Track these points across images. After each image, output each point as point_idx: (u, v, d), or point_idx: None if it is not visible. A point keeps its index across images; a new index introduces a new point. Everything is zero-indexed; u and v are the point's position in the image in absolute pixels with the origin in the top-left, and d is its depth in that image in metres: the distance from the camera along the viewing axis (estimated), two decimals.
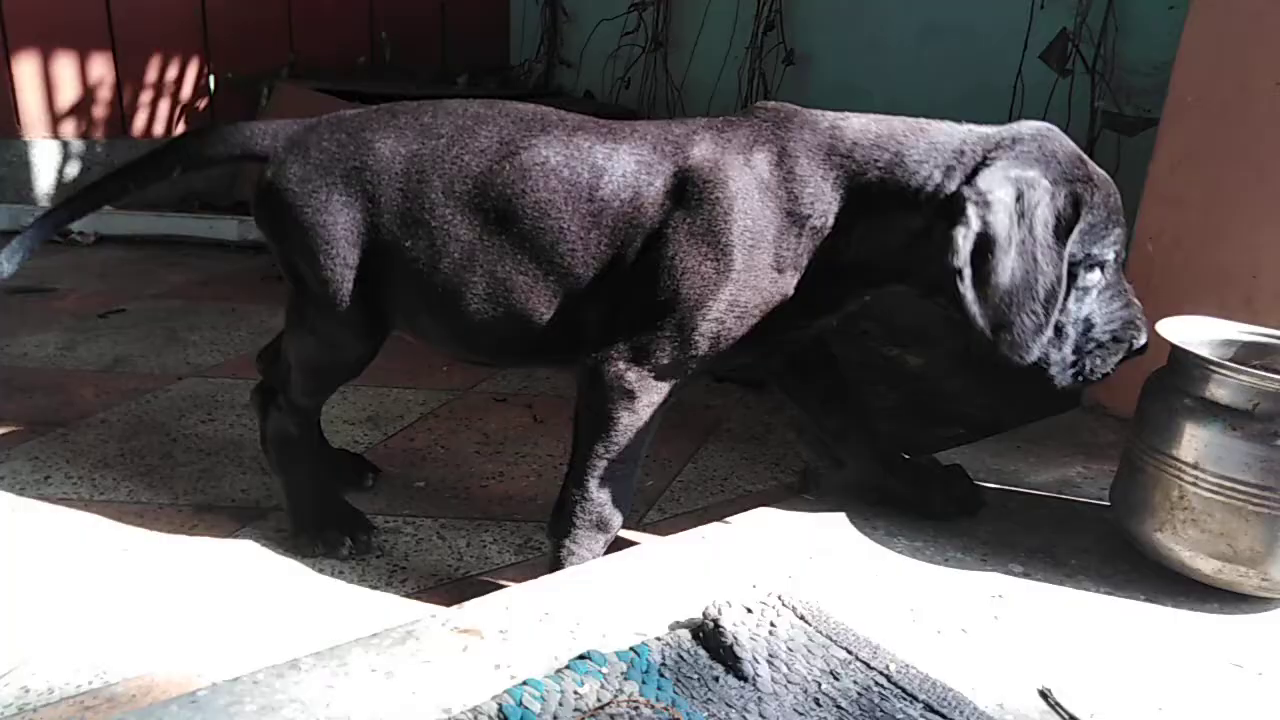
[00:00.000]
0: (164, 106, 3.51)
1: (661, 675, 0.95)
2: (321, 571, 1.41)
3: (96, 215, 3.07)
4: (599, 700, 0.91)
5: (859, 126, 1.21)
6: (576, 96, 3.55)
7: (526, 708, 0.89)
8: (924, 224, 1.15)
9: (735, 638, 0.98)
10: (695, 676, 0.95)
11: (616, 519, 1.27)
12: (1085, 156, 1.18)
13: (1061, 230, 1.12)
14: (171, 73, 3.49)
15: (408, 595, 1.37)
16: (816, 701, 0.93)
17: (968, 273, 1.10)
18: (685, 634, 1.01)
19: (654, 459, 1.80)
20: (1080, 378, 1.20)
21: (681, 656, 0.98)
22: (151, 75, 3.45)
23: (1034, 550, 1.26)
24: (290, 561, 1.43)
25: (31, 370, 2.06)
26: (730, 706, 0.91)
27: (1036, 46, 2.15)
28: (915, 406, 1.98)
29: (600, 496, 1.24)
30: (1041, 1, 2.14)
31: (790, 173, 1.18)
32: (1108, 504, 1.31)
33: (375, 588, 1.38)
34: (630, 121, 1.33)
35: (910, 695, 0.94)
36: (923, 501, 1.34)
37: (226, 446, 1.76)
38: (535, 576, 1.18)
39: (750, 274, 1.18)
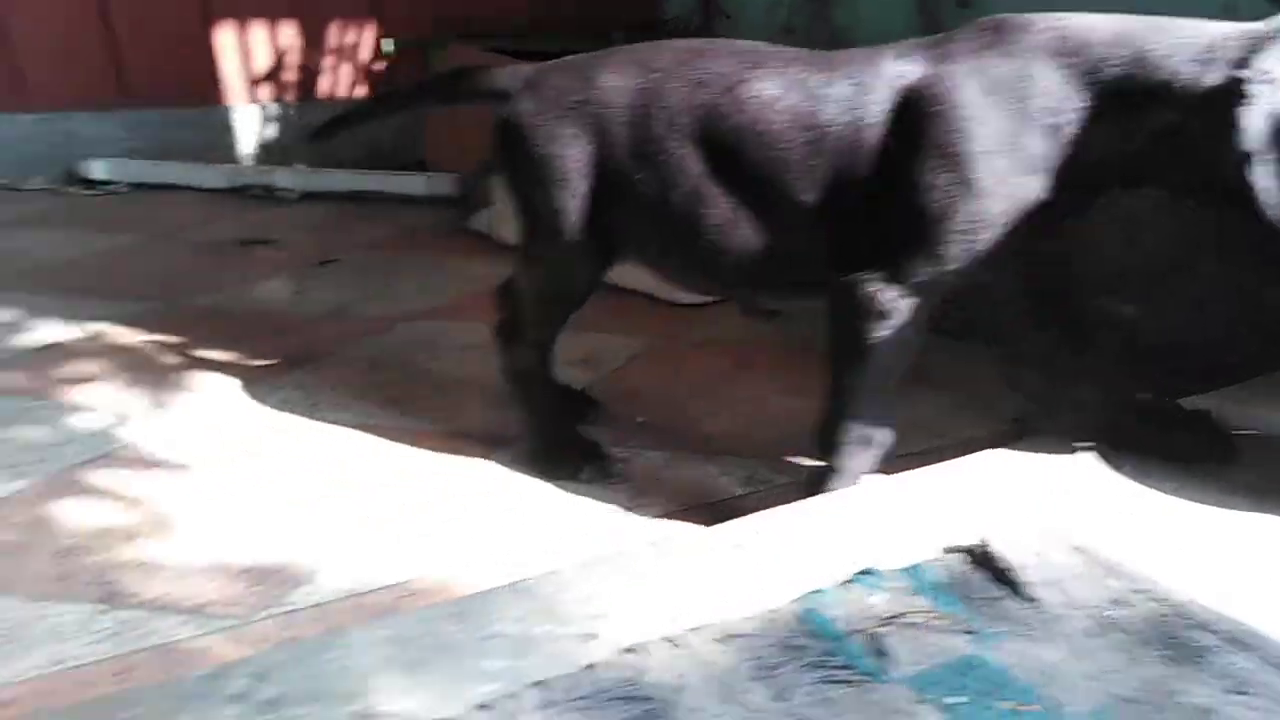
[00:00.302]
0: (345, 71, 3.69)
1: (947, 591, 1.00)
2: (572, 492, 1.51)
3: (298, 173, 3.29)
4: (891, 611, 0.96)
5: (1087, 25, 1.18)
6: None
7: (823, 613, 0.95)
8: (1175, 119, 1.12)
9: (1012, 563, 1.02)
10: (979, 596, 1.00)
11: (882, 436, 1.30)
12: None
13: None
14: (349, 38, 3.67)
15: (655, 517, 1.46)
16: (1106, 625, 0.96)
17: (1265, 156, 1.05)
18: (957, 558, 1.06)
19: None
20: None
21: (960, 577, 1.03)
22: (332, 41, 3.64)
23: None
24: (541, 483, 1.54)
25: (275, 314, 2.25)
26: (1020, 625, 0.95)
27: None
28: (1132, 360, 1.94)
29: (864, 415, 1.28)
30: None
31: (1020, 76, 1.17)
32: None
33: (627, 509, 1.47)
34: (842, 51, 1.34)
35: (1206, 626, 0.95)
36: (1169, 446, 1.32)
37: (458, 382, 1.89)
38: (771, 506, 1.23)
39: (993, 182, 1.18)
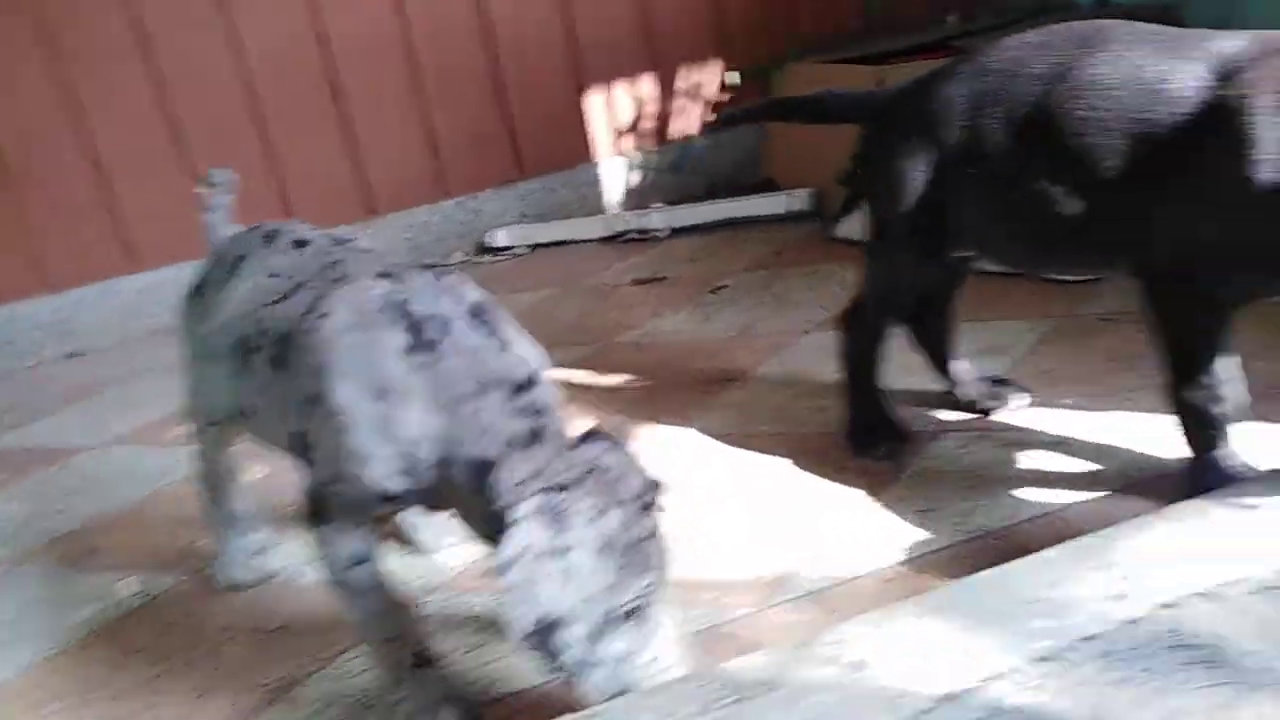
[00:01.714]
0: (695, 110, 4.01)
1: None
2: (1012, 476, 1.61)
3: (667, 211, 3.64)
4: None
5: None
6: (1085, 7, 3.42)
7: None
8: None
9: None
10: None
11: (1233, 412, 1.34)
12: None
13: None
14: (696, 77, 3.98)
15: (1108, 491, 1.52)
16: None
17: None
18: None
19: None
20: None
21: None
22: (682, 83, 3.97)
23: None
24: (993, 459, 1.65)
25: (690, 342, 2.53)
26: None
27: None
28: None
29: (1203, 401, 1.33)
30: None
31: None
32: None
33: (1074, 487, 1.55)
34: (1197, 34, 1.33)
35: None
36: None
37: None
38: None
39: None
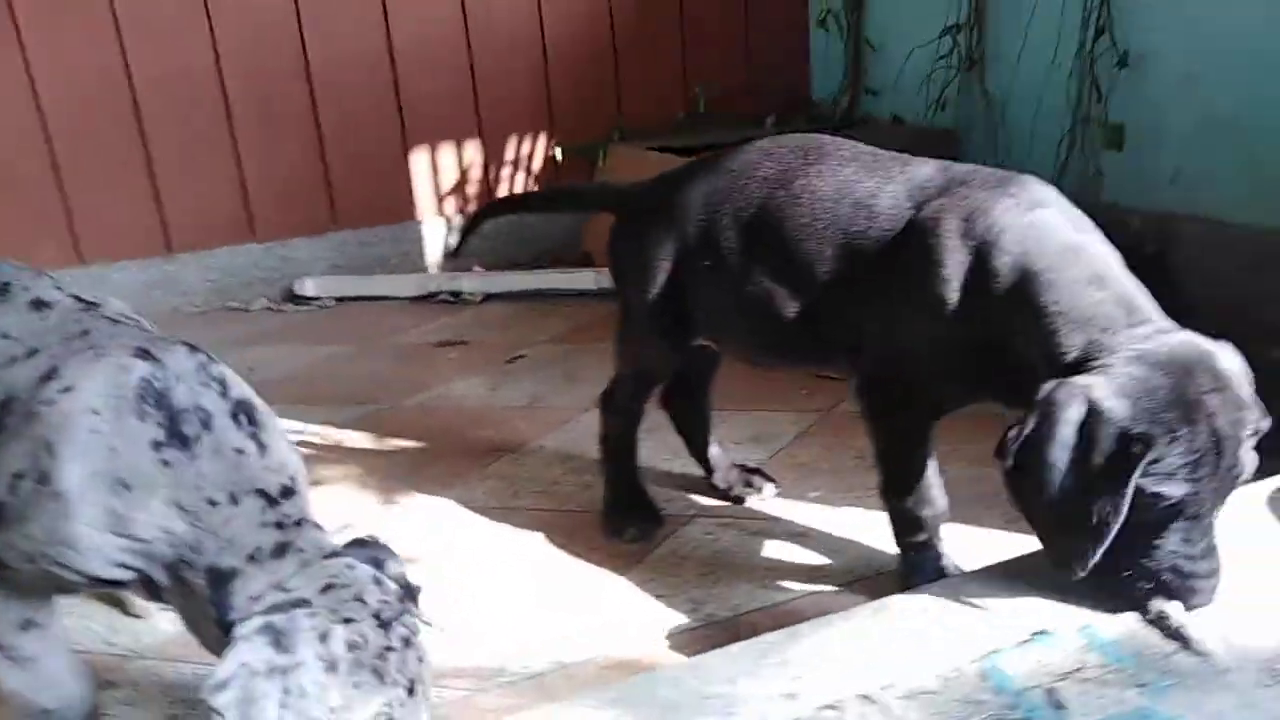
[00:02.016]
0: (520, 178, 4.05)
1: (1118, 649, 1.08)
2: (757, 565, 1.66)
3: (480, 277, 3.64)
4: (1065, 668, 1.05)
5: None
6: (887, 122, 3.69)
7: (1003, 670, 1.05)
8: None
9: (1184, 623, 1.09)
10: (1150, 652, 1.07)
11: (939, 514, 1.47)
12: None
13: None
14: (524, 148, 4.03)
15: (834, 585, 1.58)
16: (1275, 677, 1.02)
17: None
18: (1130, 618, 1.13)
19: None
20: None
21: (1132, 635, 1.11)
22: (509, 154, 4.01)
23: None
24: (727, 553, 1.69)
25: (476, 409, 2.52)
26: (1190, 677, 1.03)
27: None
28: None
29: (910, 502, 1.45)
30: None
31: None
32: None
33: (806, 580, 1.61)
34: (899, 158, 1.47)
35: None
36: None
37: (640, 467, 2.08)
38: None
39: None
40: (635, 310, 1.67)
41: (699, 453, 1.92)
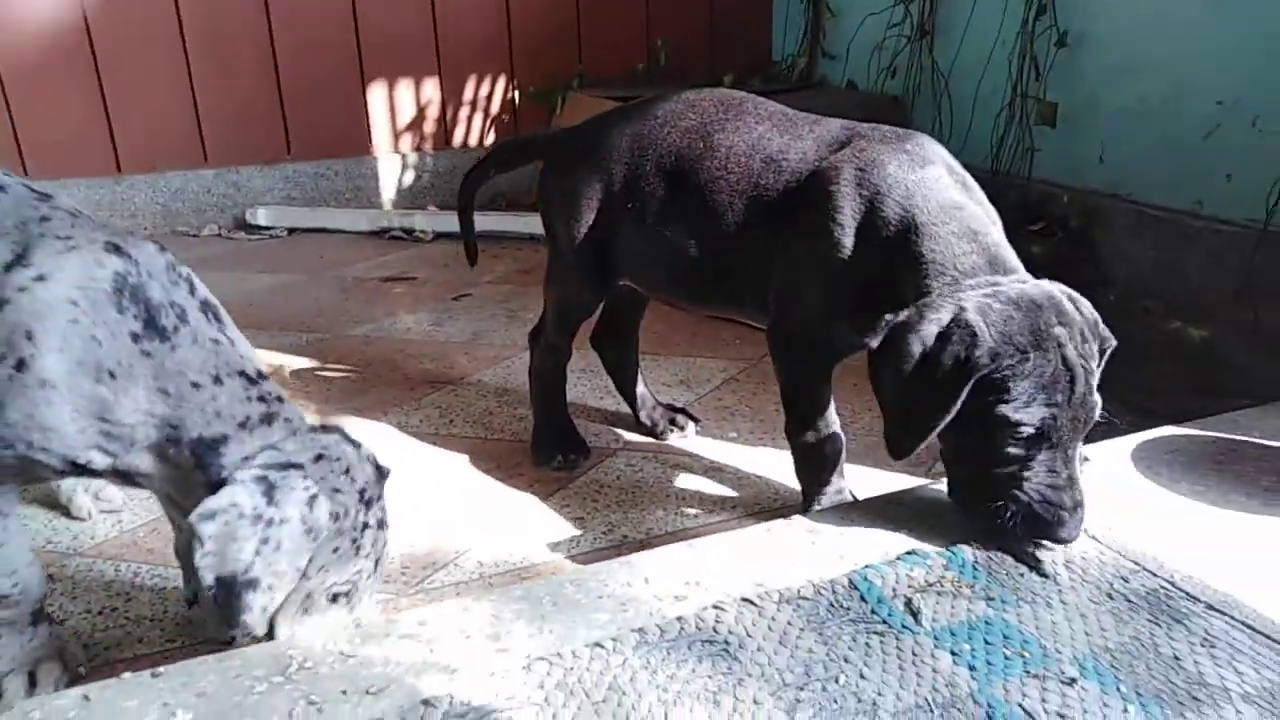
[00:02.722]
0: (478, 120, 4.07)
1: (975, 568, 1.20)
2: (670, 495, 1.76)
3: (433, 216, 3.67)
4: (926, 582, 1.17)
5: None
6: (839, 87, 3.77)
7: (870, 581, 1.17)
8: None
9: (1035, 547, 1.21)
10: (1004, 572, 1.19)
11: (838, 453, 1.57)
12: None
13: None
14: (484, 90, 4.05)
15: (741, 516, 1.69)
16: (1109, 596, 1.14)
17: None
18: (992, 545, 1.25)
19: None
20: None
21: (990, 558, 1.22)
22: (468, 94, 4.02)
23: None
24: (632, 481, 1.79)
25: (418, 342, 2.58)
26: (1036, 595, 1.15)
27: None
28: (1198, 380, 2.07)
29: (812, 439, 1.55)
30: None
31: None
32: None
33: (711, 510, 1.71)
34: (810, 117, 1.55)
35: (1193, 596, 1.13)
36: None
37: (570, 403, 2.17)
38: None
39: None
40: (561, 248, 1.74)
41: (627, 391, 2.01)
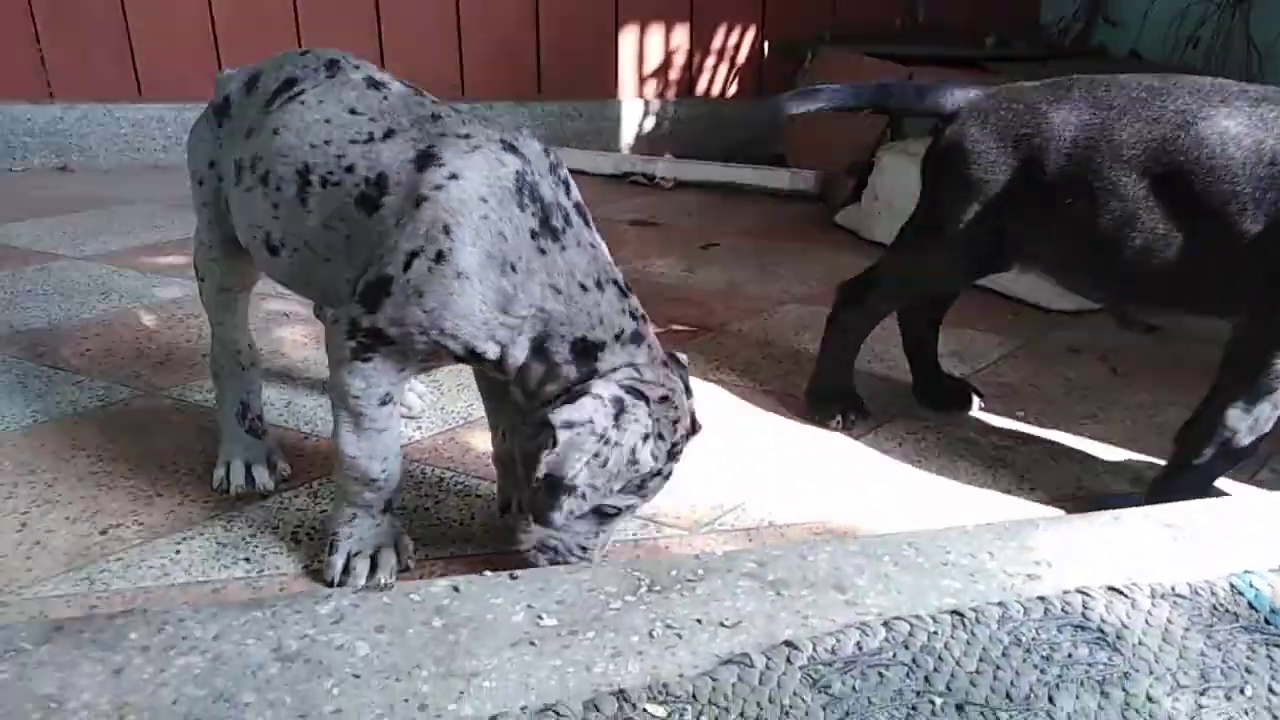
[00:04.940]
0: (723, 70, 4.02)
1: None
2: (963, 478, 1.68)
3: (677, 164, 3.67)
4: None
5: None
6: (1119, 57, 3.49)
7: (1257, 588, 1.06)
8: None
9: None
10: None
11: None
12: None
13: None
14: (732, 39, 3.99)
15: (1039, 501, 1.59)
16: None
17: None
18: None
19: None
20: None
21: None
22: (716, 43, 3.98)
23: None
24: (919, 458, 1.72)
25: (672, 286, 2.59)
26: None
27: None
28: None
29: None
30: None
31: None
32: None
33: (1008, 492, 1.62)
34: None
35: None
36: None
37: None
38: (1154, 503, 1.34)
39: None
40: (948, 224, 1.61)
41: (920, 358, 1.92)
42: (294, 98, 1.29)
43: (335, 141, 1.22)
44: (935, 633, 1.00)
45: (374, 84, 1.29)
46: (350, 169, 1.19)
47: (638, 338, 1.17)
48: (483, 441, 1.63)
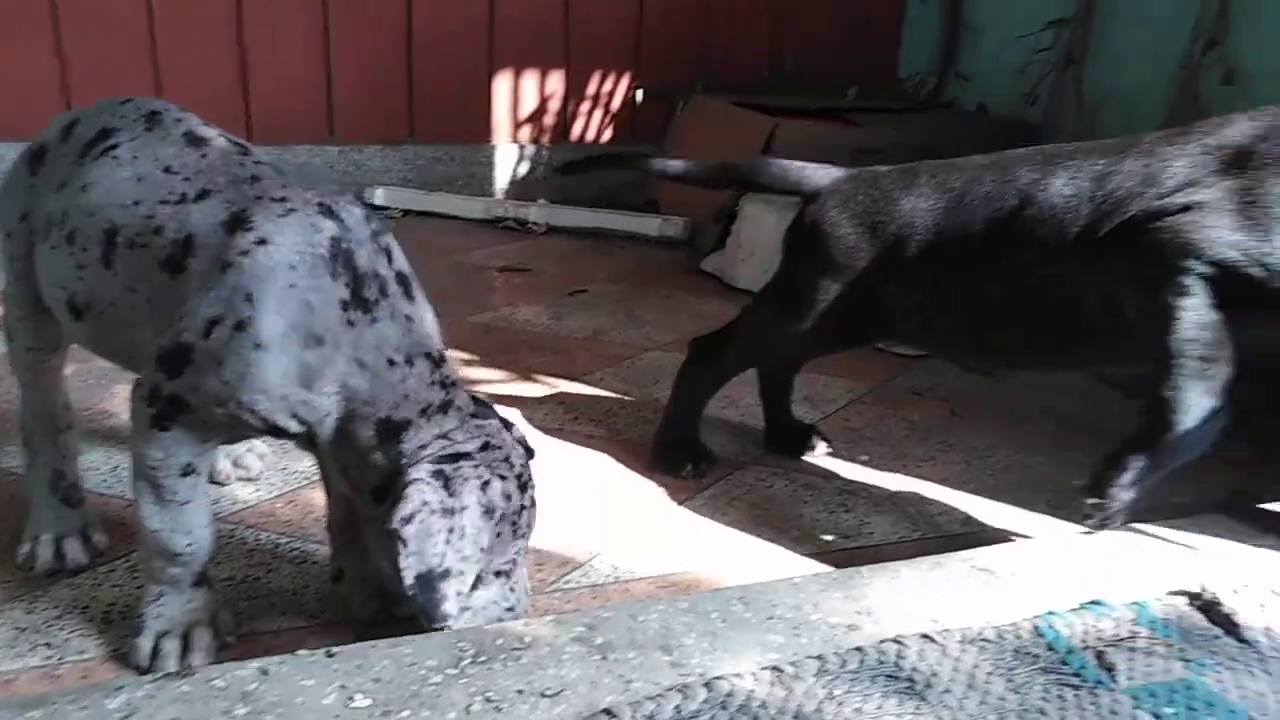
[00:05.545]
0: (597, 116, 4.08)
1: (1166, 625, 1.14)
2: (797, 521, 1.72)
3: (548, 209, 3.68)
4: (1115, 635, 1.11)
5: None
6: (968, 110, 3.68)
7: (1056, 629, 1.12)
8: None
9: (1234, 608, 1.15)
10: (1197, 633, 1.13)
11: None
12: None
13: None
14: (606, 86, 4.05)
15: (876, 544, 1.64)
16: None
17: None
18: (1180, 600, 1.19)
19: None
20: None
21: (1181, 615, 1.16)
22: (591, 89, 4.03)
23: None
24: (774, 497, 1.75)
25: (537, 334, 2.59)
26: (1235, 661, 1.08)
27: None
28: None
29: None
30: None
31: None
32: None
33: (847, 536, 1.67)
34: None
35: None
36: None
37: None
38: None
39: None
40: (806, 299, 1.66)
41: (773, 405, 1.96)
42: (107, 150, 1.25)
43: (145, 202, 1.18)
44: (753, 691, 1.01)
45: (194, 140, 1.25)
46: (158, 230, 1.15)
47: (446, 407, 1.16)
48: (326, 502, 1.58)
